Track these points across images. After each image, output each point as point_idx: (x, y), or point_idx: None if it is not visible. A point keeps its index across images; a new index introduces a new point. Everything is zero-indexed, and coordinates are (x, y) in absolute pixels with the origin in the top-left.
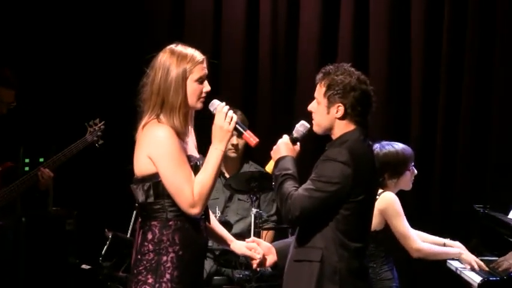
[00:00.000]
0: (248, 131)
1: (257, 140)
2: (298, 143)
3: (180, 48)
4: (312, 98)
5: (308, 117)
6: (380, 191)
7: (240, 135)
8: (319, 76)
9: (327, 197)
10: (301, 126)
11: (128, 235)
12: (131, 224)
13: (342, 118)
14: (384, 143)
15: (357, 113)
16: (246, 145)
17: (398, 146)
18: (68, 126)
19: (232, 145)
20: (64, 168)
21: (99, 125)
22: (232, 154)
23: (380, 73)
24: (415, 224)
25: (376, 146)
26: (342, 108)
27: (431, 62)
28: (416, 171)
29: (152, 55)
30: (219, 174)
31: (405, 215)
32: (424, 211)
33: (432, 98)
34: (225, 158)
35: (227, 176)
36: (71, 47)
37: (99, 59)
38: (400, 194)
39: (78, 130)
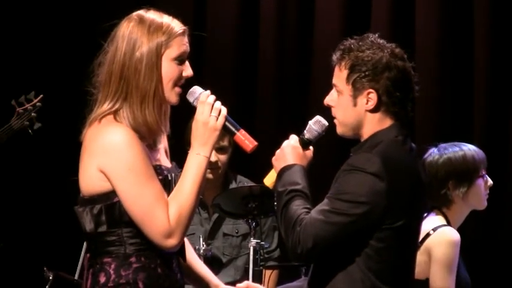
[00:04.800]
0: (242, 131)
1: (255, 143)
2: (311, 147)
3: (152, 15)
4: (330, 88)
5: (326, 113)
6: (438, 223)
7: (231, 135)
8: (336, 55)
9: (351, 223)
10: (315, 124)
11: (76, 276)
12: (80, 259)
13: (374, 110)
14: (445, 145)
15: (395, 101)
16: (233, 158)
17: (466, 147)
18: None
19: (210, 163)
20: None
21: (35, 101)
22: (208, 175)
23: (428, 52)
24: (480, 259)
25: (432, 151)
26: (374, 96)
27: (501, 33)
28: (491, 182)
29: (112, 23)
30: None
31: (464, 245)
32: (492, 239)
33: (505, 85)
34: None
35: (207, 203)
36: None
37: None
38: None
39: (4, 112)
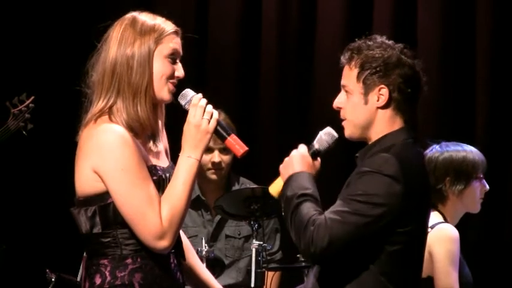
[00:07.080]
0: (233, 136)
1: (246, 148)
2: (319, 159)
3: (145, 16)
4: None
5: (327, 112)
6: (435, 220)
7: (222, 139)
8: (345, 55)
9: (367, 224)
10: (326, 135)
11: (78, 277)
12: (83, 261)
13: (385, 107)
14: (448, 143)
15: (406, 98)
16: (234, 160)
17: (469, 148)
18: None
19: (213, 164)
20: None
21: (27, 102)
22: (212, 176)
23: (430, 55)
24: (481, 259)
25: (434, 147)
26: (385, 91)
27: (502, 33)
28: (488, 187)
29: (106, 24)
30: (199, 205)
31: (466, 245)
32: (492, 242)
33: (505, 87)
34: (204, 181)
35: (210, 205)
36: None
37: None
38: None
39: None
